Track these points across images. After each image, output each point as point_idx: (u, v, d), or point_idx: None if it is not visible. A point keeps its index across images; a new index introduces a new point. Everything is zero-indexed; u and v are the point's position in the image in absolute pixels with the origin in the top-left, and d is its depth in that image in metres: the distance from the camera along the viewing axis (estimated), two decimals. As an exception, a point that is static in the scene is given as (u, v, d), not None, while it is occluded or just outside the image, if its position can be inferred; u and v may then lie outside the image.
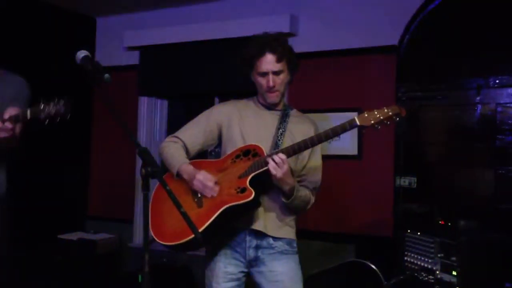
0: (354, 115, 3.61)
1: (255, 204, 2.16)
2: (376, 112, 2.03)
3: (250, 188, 2.12)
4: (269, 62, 2.21)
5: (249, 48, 2.25)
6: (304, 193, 2.26)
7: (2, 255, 2.58)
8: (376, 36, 3.76)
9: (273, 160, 2.08)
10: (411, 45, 3.64)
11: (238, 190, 2.14)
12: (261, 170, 2.14)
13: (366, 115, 2.04)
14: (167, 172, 2.37)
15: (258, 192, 2.14)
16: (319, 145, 2.25)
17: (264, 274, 2.27)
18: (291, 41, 2.35)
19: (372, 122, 2.03)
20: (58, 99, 2.22)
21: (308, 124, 2.36)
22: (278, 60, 2.21)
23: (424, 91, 3.59)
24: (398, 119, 2.02)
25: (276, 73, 2.22)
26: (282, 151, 2.11)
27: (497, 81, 3.34)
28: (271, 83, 2.22)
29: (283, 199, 2.21)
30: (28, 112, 2.24)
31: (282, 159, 2.08)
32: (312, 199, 2.33)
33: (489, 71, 3.36)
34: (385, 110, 2.03)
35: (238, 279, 2.30)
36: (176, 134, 2.41)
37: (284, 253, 2.28)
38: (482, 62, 3.40)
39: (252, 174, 2.14)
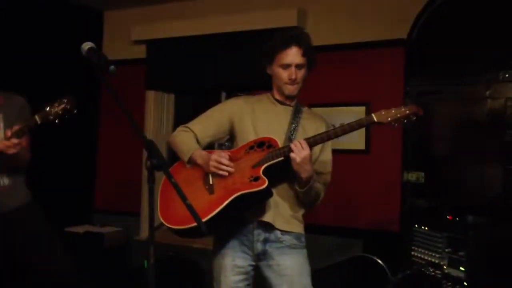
0: (362, 110, 3.70)
1: (267, 193, 2.15)
2: (394, 111, 2.06)
3: (264, 177, 2.11)
4: (294, 54, 2.22)
5: (274, 40, 2.26)
6: (317, 185, 2.26)
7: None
8: (385, 30, 3.73)
9: (295, 144, 2.08)
10: (420, 39, 3.61)
11: (252, 178, 2.14)
12: (276, 160, 2.14)
13: (383, 112, 2.06)
14: (177, 161, 2.37)
15: (271, 182, 2.13)
16: (330, 141, 2.25)
17: (272, 268, 2.26)
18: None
19: (389, 119, 2.04)
20: (61, 98, 2.33)
21: (319, 122, 2.37)
22: (304, 54, 2.23)
23: (433, 86, 3.56)
24: (415, 118, 2.04)
25: (298, 66, 2.24)
26: (305, 139, 2.11)
27: (507, 75, 3.30)
28: (293, 76, 2.23)
29: (298, 188, 2.19)
30: (37, 118, 2.35)
31: (302, 144, 2.08)
32: (322, 194, 2.33)
33: (499, 65, 3.33)
34: (403, 109, 2.05)
35: (246, 273, 2.30)
36: (187, 124, 2.42)
37: (292, 248, 2.27)
38: (492, 57, 3.36)
39: (266, 164, 2.15)
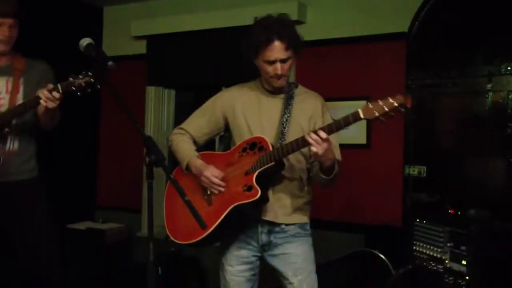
0: (363, 104, 3.68)
1: (262, 201, 2.17)
2: (380, 103, 1.93)
3: (256, 186, 2.11)
4: (277, 50, 2.14)
5: (255, 34, 2.17)
6: (337, 168, 2.23)
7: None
8: (386, 23, 3.71)
9: (313, 138, 2.00)
10: (421, 32, 3.58)
11: (245, 188, 2.14)
12: (266, 166, 2.13)
13: (370, 106, 1.94)
14: (178, 166, 2.39)
15: (265, 188, 2.15)
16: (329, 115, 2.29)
17: (277, 257, 2.28)
18: (299, 29, 2.30)
19: (377, 114, 1.93)
20: (86, 71, 2.29)
21: (314, 100, 2.33)
22: (287, 47, 2.15)
23: (434, 79, 3.54)
24: (403, 110, 1.91)
25: (283, 60, 2.17)
26: (322, 129, 2.02)
27: (509, 68, 3.27)
28: (279, 71, 2.17)
29: (324, 176, 2.17)
30: (59, 86, 2.33)
31: (320, 135, 1.99)
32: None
33: (500, 58, 3.30)
34: (390, 101, 1.91)
35: (251, 262, 2.32)
36: (182, 125, 2.41)
37: (297, 236, 2.29)
38: (493, 49, 3.33)
39: (258, 171, 2.14)
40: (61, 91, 2.32)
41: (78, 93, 2.29)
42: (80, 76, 2.28)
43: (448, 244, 2.62)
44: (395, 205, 3.63)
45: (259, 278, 2.39)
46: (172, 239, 2.27)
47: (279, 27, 2.15)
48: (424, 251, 2.78)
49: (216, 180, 2.19)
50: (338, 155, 2.28)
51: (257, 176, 2.13)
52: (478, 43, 3.38)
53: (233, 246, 2.31)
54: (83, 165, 4.76)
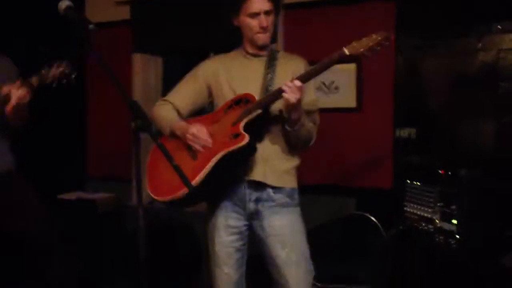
0: (353, 67, 3.65)
1: (251, 149, 2.12)
2: (364, 40, 2.00)
3: (244, 132, 2.08)
4: (261, 1, 2.15)
5: None
6: (309, 124, 2.22)
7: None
8: (375, -15, 3.64)
9: (287, 85, 2.03)
10: (411, -7, 3.52)
11: (232, 136, 2.11)
12: (255, 114, 2.11)
13: (354, 44, 2.01)
14: (161, 136, 2.34)
15: (253, 136, 2.11)
16: (312, 81, 2.21)
17: (264, 228, 2.26)
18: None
19: (362, 50, 1.99)
20: (60, 62, 2.25)
21: (296, 61, 2.32)
22: None
23: (425, 40, 3.50)
24: (387, 43, 2.00)
25: (267, 12, 2.18)
26: (297, 78, 2.06)
27: (499, 26, 3.24)
28: (264, 23, 2.18)
29: (288, 128, 2.15)
30: (33, 79, 2.26)
31: (296, 84, 2.02)
32: (314, 134, 2.29)
33: (490, 16, 3.26)
34: (373, 36, 2.00)
35: (240, 232, 2.29)
36: (166, 97, 2.39)
37: (285, 206, 2.26)
38: (483, 8, 3.29)
39: (246, 119, 2.11)
40: (35, 85, 2.24)
41: (53, 85, 2.23)
42: (54, 67, 2.22)
43: (438, 204, 2.63)
44: (386, 168, 3.63)
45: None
46: (154, 196, 2.20)
47: None
48: (415, 211, 2.80)
49: (203, 135, 2.14)
50: (315, 115, 2.29)
51: (244, 124, 2.11)
52: (468, 2, 3.33)
53: (220, 216, 2.28)
54: (72, 136, 4.72)
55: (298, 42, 3.77)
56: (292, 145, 2.27)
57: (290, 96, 2.01)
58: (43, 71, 2.23)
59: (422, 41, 3.51)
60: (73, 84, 2.28)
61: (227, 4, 2.23)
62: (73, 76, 2.25)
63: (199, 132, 2.16)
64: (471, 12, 3.33)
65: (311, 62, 3.59)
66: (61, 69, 2.22)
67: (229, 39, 3.87)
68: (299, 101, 2.04)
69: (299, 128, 2.15)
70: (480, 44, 3.31)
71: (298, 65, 2.28)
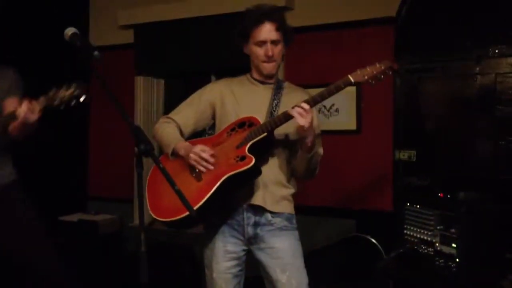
0: (353, 89, 3.69)
1: (256, 171, 2.13)
2: (368, 68, 2.05)
3: (250, 155, 2.09)
4: (268, 30, 2.18)
5: (245, 20, 2.22)
6: (319, 150, 2.24)
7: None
8: (373, 8, 3.69)
9: (300, 108, 2.04)
10: (409, 16, 3.57)
11: (237, 159, 2.11)
12: (259, 137, 2.12)
13: (359, 72, 2.05)
14: (161, 155, 2.35)
15: (258, 159, 2.11)
16: (315, 109, 2.21)
17: (264, 251, 2.25)
18: (287, 15, 2.34)
19: (366, 77, 2.03)
20: (70, 83, 2.21)
21: (301, 94, 2.33)
22: (277, 29, 2.19)
23: (423, 63, 3.54)
24: (391, 72, 2.05)
25: (274, 42, 2.20)
26: (304, 101, 2.08)
27: (497, 50, 3.28)
28: (270, 52, 2.19)
29: (304, 154, 2.16)
30: (41, 100, 2.22)
31: (304, 107, 2.04)
32: (318, 166, 2.29)
33: (488, 41, 3.30)
34: (377, 65, 2.04)
35: (238, 258, 2.28)
36: (169, 115, 2.39)
37: (284, 229, 2.26)
38: (481, 32, 3.34)
39: (251, 142, 2.12)
40: (41, 106, 2.20)
41: (61, 107, 2.19)
42: (63, 89, 2.18)
43: (438, 227, 2.64)
44: (386, 190, 3.65)
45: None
46: (154, 216, 2.18)
47: (269, 10, 2.22)
48: (415, 234, 2.80)
49: (206, 155, 2.14)
50: (320, 149, 2.29)
51: (250, 146, 2.12)
52: (466, 26, 3.38)
53: (218, 241, 2.26)
54: (74, 157, 4.74)
55: (298, 66, 3.82)
56: (300, 173, 2.27)
57: (303, 120, 2.03)
58: (50, 93, 2.20)
59: (420, 64, 3.55)
60: (75, 104, 2.23)
61: (237, 32, 2.26)
62: (83, 98, 2.21)
63: (201, 152, 2.16)
64: (469, 36, 3.38)
65: (311, 85, 3.66)
66: (70, 91, 2.18)
67: (230, 62, 3.97)
68: (311, 124, 2.06)
69: (313, 155, 2.17)
70: (478, 68, 3.35)
71: (302, 97, 2.27)
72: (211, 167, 2.14)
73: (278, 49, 2.22)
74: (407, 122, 3.60)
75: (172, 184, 1.66)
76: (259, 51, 2.21)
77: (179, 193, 1.65)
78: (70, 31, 1.93)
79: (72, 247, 4.07)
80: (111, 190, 4.71)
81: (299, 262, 2.27)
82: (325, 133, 2.40)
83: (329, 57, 3.86)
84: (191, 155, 2.16)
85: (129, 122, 1.75)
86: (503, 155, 3.24)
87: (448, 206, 2.61)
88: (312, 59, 3.89)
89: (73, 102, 2.21)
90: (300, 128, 2.07)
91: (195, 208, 2.02)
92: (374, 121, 3.71)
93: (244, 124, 2.19)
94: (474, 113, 3.35)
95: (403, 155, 3.55)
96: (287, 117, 2.09)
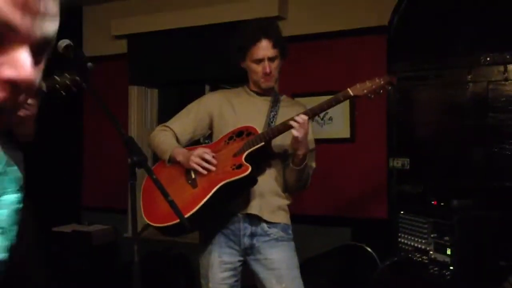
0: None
1: (251, 180, 2.14)
2: (368, 83, 2.09)
3: (246, 163, 2.10)
4: (265, 48, 2.19)
5: (242, 35, 2.23)
6: (311, 163, 2.26)
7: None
8: (366, 17, 3.72)
9: (296, 121, 2.08)
10: (401, 25, 3.60)
11: (234, 167, 2.13)
12: (257, 146, 2.14)
13: (358, 86, 2.09)
14: (158, 162, 2.35)
15: (254, 168, 2.12)
16: (310, 124, 2.24)
17: (260, 262, 2.25)
18: (280, 24, 2.35)
19: (365, 91, 2.07)
20: (71, 71, 2.19)
21: (298, 107, 2.35)
22: (274, 46, 2.20)
23: (416, 71, 3.56)
24: (390, 87, 2.11)
25: (271, 59, 2.21)
26: (303, 113, 2.11)
27: (488, 58, 3.31)
28: (268, 70, 2.21)
29: (294, 166, 2.17)
30: (44, 85, 2.20)
31: (304, 119, 2.07)
32: (310, 179, 2.32)
33: (480, 49, 3.33)
34: (377, 80, 2.09)
35: (234, 269, 2.28)
36: (166, 123, 2.40)
37: (280, 240, 2.26)
38: (473, 40, 3.36)
39: (248, 151, 2.14)
40: (46, 90, 2.18)
41: (63, 92, 2.18)
42: (65, 74, 2.18)
43: (432, 235, 2.64)
44: (381, 198, 3.65)
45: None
46: (147, 221, 2.19)
47: (265, 27, 2.23)
48: (409, 242, 2.81)
49: (208, 156, 2.14)
50: (313, 163, 2.31)
51: (247, 155, 2.13)
52: (458, 35, 3.41)
53: (214, 251, 2.26)
54: (67, 167, 4.72)
55: (291, 75, 3.84)
56: (291, 185, 2.29)
57: (298, 131, 2.06)
58: (54, 77, 2.18)
59: (413, 72, 3.57)
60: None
61: (233, 47, 2.26)
62: (84, 85, 2.19)
63: (205, 154, 2.16)
64: (461, 45, 3.40)
65: (304, 94, 3.68)
66: (72, 76, 2.16)
67: (224, 72, 3.98)
68: (305, 136, 2.08)
69: (304, 167, 2.18)
70: (470, 76, 3.37)
71: (299, 111, 2.31)
72: (213, 168, 2.15)
73: (275, 65, 2.24)
74: (400, 130, 3.62)
75: (165, 195, 1.66)
76: (257, 68, 2.23)
77: (172, 204, 1.65)
78: (63, 43, 1.92)
79: (66, 258, 4.05)
80: (105, 200, 4.70)
81: (295, 273, 2.27)
82: (319, 141, 2.41)
83: (322, 66, 3.88)
84: (193, 157, 2.16)
85: (121, 133, 1.75)
86: (496, 163, 3.25)
87: (441, 214, 2.62)
88: (305, 68, 3.91)
89: (74, 88, 2.19)
90: (294, 139, 2.08)
91: (189, 214, 2.03)
92: (367, 129, 3.73)
93: (242, 133, 2.21)
94: (467, 120, 3.37)
95: (397, 163, 3.56)
96: (286, 127, 2.11)
